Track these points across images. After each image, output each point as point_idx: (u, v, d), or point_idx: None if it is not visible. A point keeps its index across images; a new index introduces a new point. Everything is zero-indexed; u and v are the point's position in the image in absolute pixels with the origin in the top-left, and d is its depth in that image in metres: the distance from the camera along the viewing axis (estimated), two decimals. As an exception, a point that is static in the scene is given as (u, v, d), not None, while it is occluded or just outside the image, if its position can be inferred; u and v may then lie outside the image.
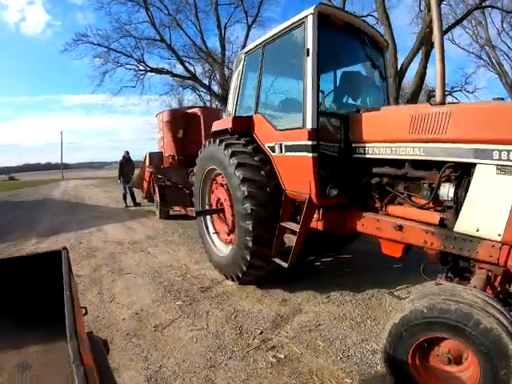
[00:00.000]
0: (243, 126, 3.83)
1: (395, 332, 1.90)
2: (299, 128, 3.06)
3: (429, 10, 10.80)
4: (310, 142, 2.95)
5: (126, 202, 11.09)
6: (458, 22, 13.96)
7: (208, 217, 4.71)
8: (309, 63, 2.96)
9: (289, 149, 3.29)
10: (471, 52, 21.69)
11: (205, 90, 22.10)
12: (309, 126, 2.94)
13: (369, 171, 3.05)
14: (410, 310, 1.86)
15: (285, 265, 3.32)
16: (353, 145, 3.12)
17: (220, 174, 4.05)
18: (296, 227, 3.26)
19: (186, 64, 19.52)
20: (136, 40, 18.82)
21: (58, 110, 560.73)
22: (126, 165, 11.32)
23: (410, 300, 1.97)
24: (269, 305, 3.41)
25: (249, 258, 3.48)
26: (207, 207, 4.65)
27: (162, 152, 7.51)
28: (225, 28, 21.20)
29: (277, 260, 3.46)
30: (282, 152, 3.40)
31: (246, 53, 4.15)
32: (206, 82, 21.37)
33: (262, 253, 3.47)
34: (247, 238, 3.42)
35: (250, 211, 3.35)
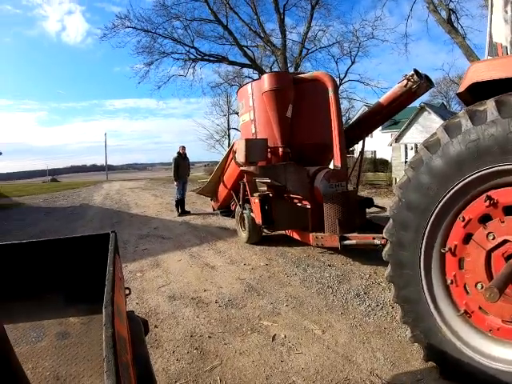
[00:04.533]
0: None
1: None
2: None
3: None
4: None
5: (178, 210, 8.90)
6: None
7: (436, 279, 1.97)
8: None
9: None
10: None
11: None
12: None
13: None
14: None
15: None
16: None
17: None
18: None
19: (244, 49, 16.80)
20: (185, 23, 16.50)
21: (102, 114, 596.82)
22: (182, 163, 8.82)
23: None
24: None
25: None
26: (434, 254, 1.72)
27: (266, 139, 4.57)
28: (283, 11, 18.33)
29: None
30: None
31: None
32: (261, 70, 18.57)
33: None
34: None
35: None
